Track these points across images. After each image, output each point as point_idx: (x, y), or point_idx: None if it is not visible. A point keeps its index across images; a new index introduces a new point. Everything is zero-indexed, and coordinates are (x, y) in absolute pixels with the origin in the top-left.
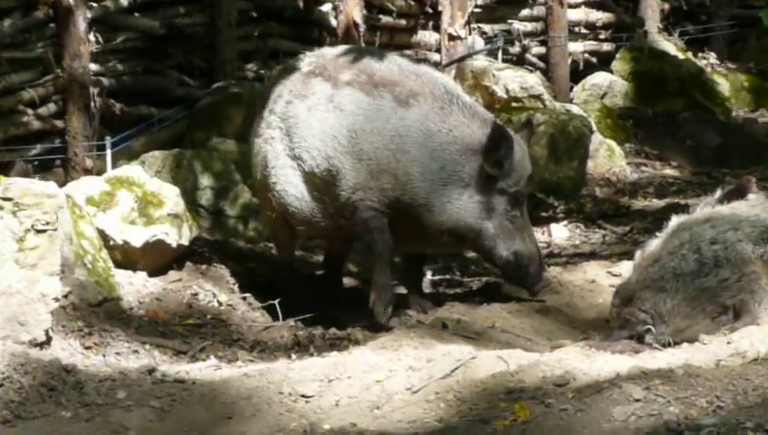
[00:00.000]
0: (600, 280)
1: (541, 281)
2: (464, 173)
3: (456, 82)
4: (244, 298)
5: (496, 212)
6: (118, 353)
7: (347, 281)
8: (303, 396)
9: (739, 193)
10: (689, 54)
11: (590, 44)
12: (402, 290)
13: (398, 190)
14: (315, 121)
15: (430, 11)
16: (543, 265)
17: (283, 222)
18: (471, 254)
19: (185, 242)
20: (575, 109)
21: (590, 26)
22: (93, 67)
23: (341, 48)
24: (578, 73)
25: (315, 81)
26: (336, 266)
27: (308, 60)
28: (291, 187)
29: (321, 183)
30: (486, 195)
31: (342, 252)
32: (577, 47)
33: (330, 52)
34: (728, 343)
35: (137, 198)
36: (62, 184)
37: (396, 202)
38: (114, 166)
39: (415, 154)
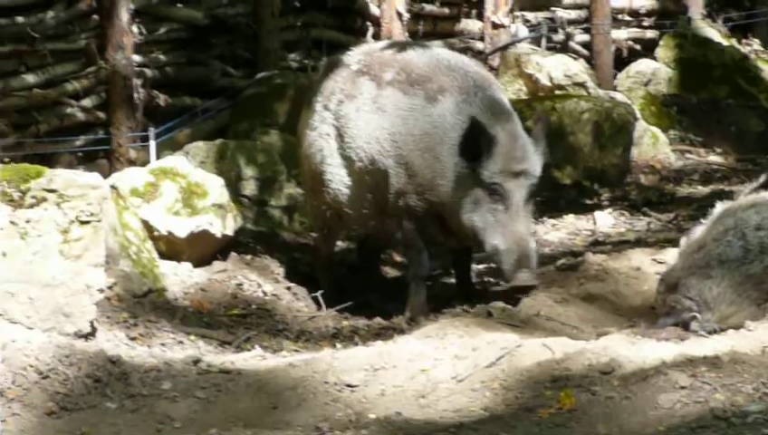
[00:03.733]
0: (646, 267)
1: (516, 279)
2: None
3: (492, 76)
4: (289, 288)
5: (479, 205)
6: (163, 344)
7: (389, 270)
8: (349, 386)
9: None
10: (733, 41)
11: (634, 32)
12: (449, 279)
13: (427, 190)
14: (362, 123)
15: None
16: (527, 265)
17: (335, 217)
18: None
19: (229, 232)
20: (619, 96)
21: (634, 13)
22: (136, 58)
23: (386, 44)
24: (621, 61)
25: (363, 80)
26: (374, 256)
27: (357, 57)
28: (344, 186)
29: (372, 184)
30: (474, 187)
31: (383, 243)
32: (621, 34)
33: (376, 48)
34: None
35: (181, 189)
36: (106, 175)
37: (428, 203)
38: (158, 157)
39: (437, 151)
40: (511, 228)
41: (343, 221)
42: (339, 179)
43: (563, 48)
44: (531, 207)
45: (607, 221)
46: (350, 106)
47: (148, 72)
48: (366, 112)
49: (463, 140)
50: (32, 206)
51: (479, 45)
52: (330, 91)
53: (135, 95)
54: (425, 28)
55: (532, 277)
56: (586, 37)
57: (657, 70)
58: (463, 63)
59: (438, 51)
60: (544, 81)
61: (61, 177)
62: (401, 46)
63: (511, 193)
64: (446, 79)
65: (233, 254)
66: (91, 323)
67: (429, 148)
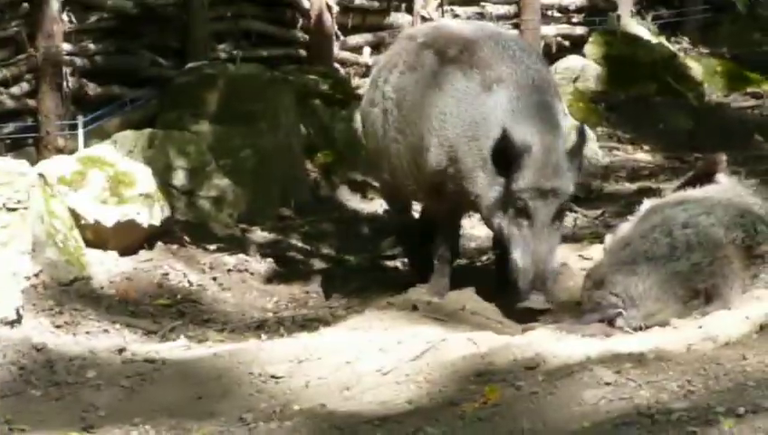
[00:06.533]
0: (572, 263)
1: (528, 301)
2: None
3: (554, 80)
4: (215, 279)
5: (508, 214)
6: (88, 332)
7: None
8: (273, 377)
9: (708, 171)
10: (662, 39)
11: (563, 28)
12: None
13: (466, 179)
14: (419, 96)
15: None
16: (541, 287)
17: (398, 190)
18: None
19: (156, 222)
20: None
21: (563, 10)
22: (66, 47)
23: (462, 23)
24: (550, 57)
25: (426, 53)
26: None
27: (424, 30)
28: (397, 160)
29: (413, 161)
30: (506, 196)
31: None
32: (550, 30)
33: (447, 24)
34: (699, 327)
35: (108, 178)
36: (34, 163)
37: (465, 192)
38: (86, 145)
39: (483, 143)
40: (532, 247)
41: (405, 194)
42: (394, 153)
43: None
44: (560, 225)
45: None
46: (411, 78)
47: (78, 60)
48: (424, 87)
49: (493, 150)
50: None
51: None
52: (393, 64)
53: (64, 84)
54: (354, 21)
55: (543, 301)
56: (515, 33)
57: (585, 66)
58: (529, 58)
59: (511, 39)
60: None
61: None
62: (474, 26)
63: (537, 211)
64: (505, 69)
65: (159, 243)
66: (17, 310)
67: (476, 138)
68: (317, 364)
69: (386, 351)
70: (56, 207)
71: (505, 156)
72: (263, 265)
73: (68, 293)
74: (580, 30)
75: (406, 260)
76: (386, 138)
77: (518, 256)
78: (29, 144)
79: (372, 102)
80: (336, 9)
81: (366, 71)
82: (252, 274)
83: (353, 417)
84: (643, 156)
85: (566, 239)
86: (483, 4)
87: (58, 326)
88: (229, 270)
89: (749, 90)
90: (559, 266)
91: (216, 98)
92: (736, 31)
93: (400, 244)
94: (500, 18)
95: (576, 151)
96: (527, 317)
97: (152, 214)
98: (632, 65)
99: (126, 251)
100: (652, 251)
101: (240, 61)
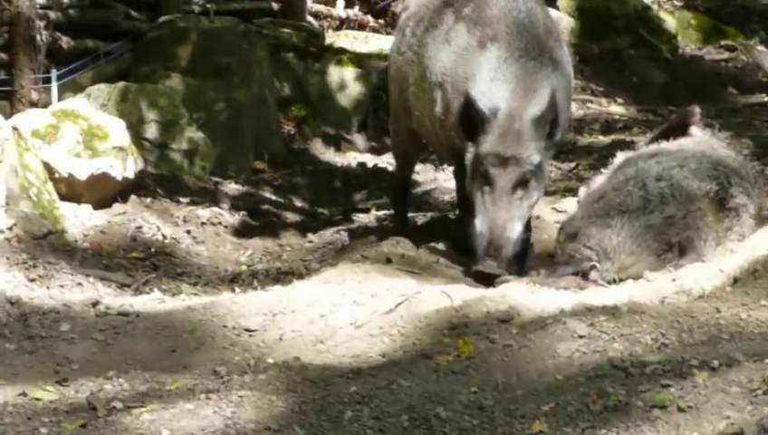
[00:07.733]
0: (545, 216)
1: (480, 265)
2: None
3: (557, 39)
4: (189, 232)
5: (476, 176)
6: (62, 286)
7: None
8: (247, 330)
9: (682, 124)
10: None
11: None
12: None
13: (454, 135)
14: (433, 52)
15: None
16: (495, 254)
17: (416, 142)
18: (415, 190)
19: (130, 175)
20: None
21: None
22: (39, 0)
23: None
24: None
25: (446, 11)
26: None
27: None
28: (417, 112)
29: (430, 116)
30: (473, 159)
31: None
32: None
33: None
34: (673, 280)
35: (82, 131)
36: (7, 116)
37: (456, 144)
38: (60, 99)
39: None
40: (490, 214)
41: (418, 145)
42: (413, 105)
43: None
44: (524, 193)
45: None
46: (430, 35)
47: (52, 14)
48: (438, 43)
49: (459, 114)
50: None
51: None
52: (420, 18)
53: (38, 37)
54: None
55: (495, 266)
56: None
57: (559, 19)
58: (533, 21)
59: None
60: None
61: None
62: None
63: (496, 178)
64: (503, 28)
65: (133, 196)
66: None
67: (463, 93)
68: (291, 317)
69: (360, 304)
70: (30, 161)
71: (471, 121)
72: (236, 219)
73: (42, 246)
74: None
75: (391, 211)
76: (410, 89)
77: (477, 221)
78: (2, 98)
79: (399, 50)
80: None
81: (339, 24)
82: (225, 227)
83: (327, 370)
84: (617, 109)
85: None
86: None
87: (32, 280)
88: (203, 223)
89: (723, 43)
90: (523, 236)
91: (190, 51)
92: None
93: (392, 194)
94: None
95: (540, 120)
96: (483, 281)
97: (126, 167)
98: (606, 18)
99: (100, 204)
100: (626, 204)
101: (213, 14)
